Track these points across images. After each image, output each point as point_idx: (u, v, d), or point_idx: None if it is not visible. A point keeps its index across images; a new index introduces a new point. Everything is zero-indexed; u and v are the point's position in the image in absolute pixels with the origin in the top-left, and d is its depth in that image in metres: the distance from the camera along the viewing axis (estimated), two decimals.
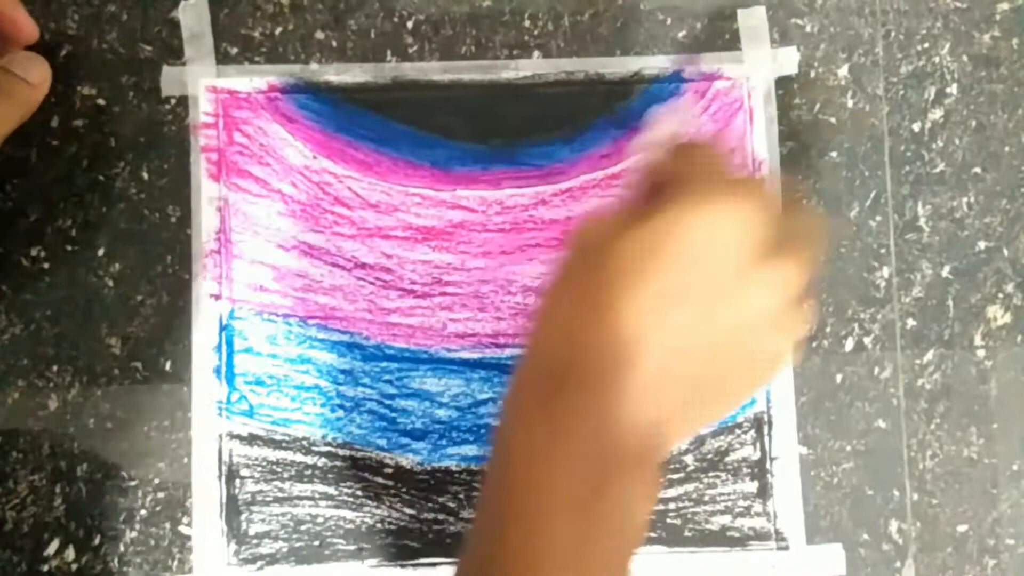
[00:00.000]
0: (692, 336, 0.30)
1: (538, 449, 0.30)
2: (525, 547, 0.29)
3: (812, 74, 0.44)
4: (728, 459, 0.42)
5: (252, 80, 0.42)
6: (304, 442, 0.42)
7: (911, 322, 0.43)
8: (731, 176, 0.33)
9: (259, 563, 0.41)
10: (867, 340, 0.43)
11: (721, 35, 0.43)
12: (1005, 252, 0.44)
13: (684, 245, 0.30)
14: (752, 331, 0.31)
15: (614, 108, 0.43)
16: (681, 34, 0.43)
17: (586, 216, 0.34)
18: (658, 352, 0.30)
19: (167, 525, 0.41)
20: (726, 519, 0.42)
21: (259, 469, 0.42)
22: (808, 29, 0.44)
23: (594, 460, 0.30)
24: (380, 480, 0.42)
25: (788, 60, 0.43)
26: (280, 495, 0.42)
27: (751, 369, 0.32)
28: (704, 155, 0.34)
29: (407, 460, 0.42)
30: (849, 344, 0.43)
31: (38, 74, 0.40)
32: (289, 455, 0.42)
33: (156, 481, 0.41)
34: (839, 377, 0.43)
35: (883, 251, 0.43)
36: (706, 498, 0.42)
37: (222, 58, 0.43)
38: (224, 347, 0.42)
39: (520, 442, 0.31)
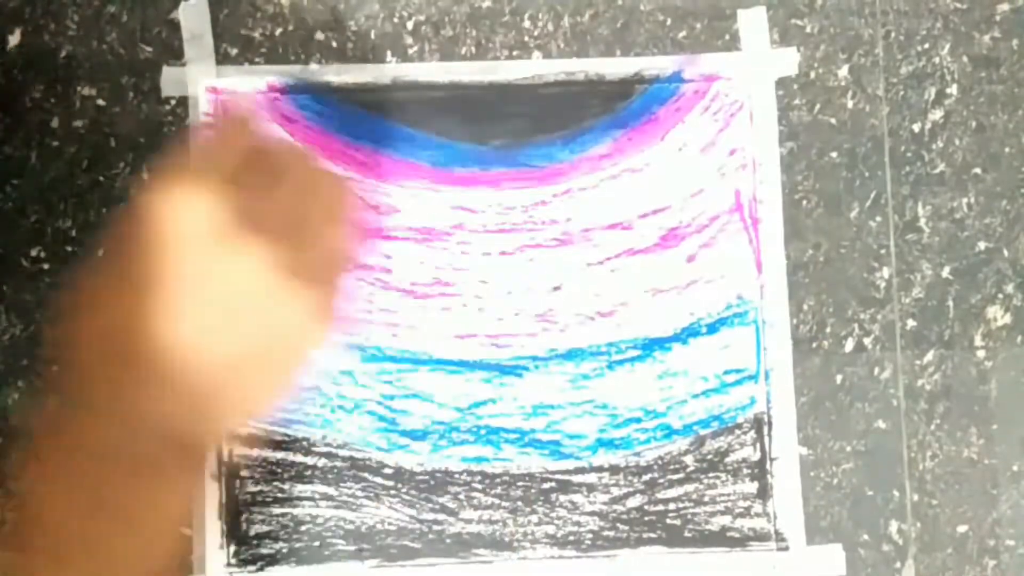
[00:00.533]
0: (183, 327, 0.29)
1: None
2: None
3: (812, 74, 0.44)
4: (728, 460, 0.42)
5: (252, 80, 0.42)
6: (304, 442, 0.42)
7: (911, 323, 0.43)
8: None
9: (259, 563, 0.41)
10: (867, 340, 0.43)
11: (721, 35, 0.43)
12: (1005, 252, 0.44)
13: (148, 230, 0.30)
14: (243, 312, 0.30)
15: (614, 108, 0.43)
16: (681, 34, 0.43)
17: None
18: (156, 350, 0.29)
19: None
20: (726, 519, 0.42)
21: (259, 469, 0.42)
22: (808, 29, 0.44)
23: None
24: (380, 480, 0.42)
25: (788, 60, 0.43)
26: (280, 495, 0.42)
27: (268, 351, 0.31)
28: None
29: (407, 460, 0.42)
30: (849, 345, 0.43)
31: None
32: (289, 455, 0.42)
33: None
34: (839, 378, 0.43)
35: (883, 251, 0.43)
36: (706, 499, 0.42)
37: (222, 59, 0.42)
38: None
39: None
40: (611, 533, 0.42)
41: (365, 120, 0.42)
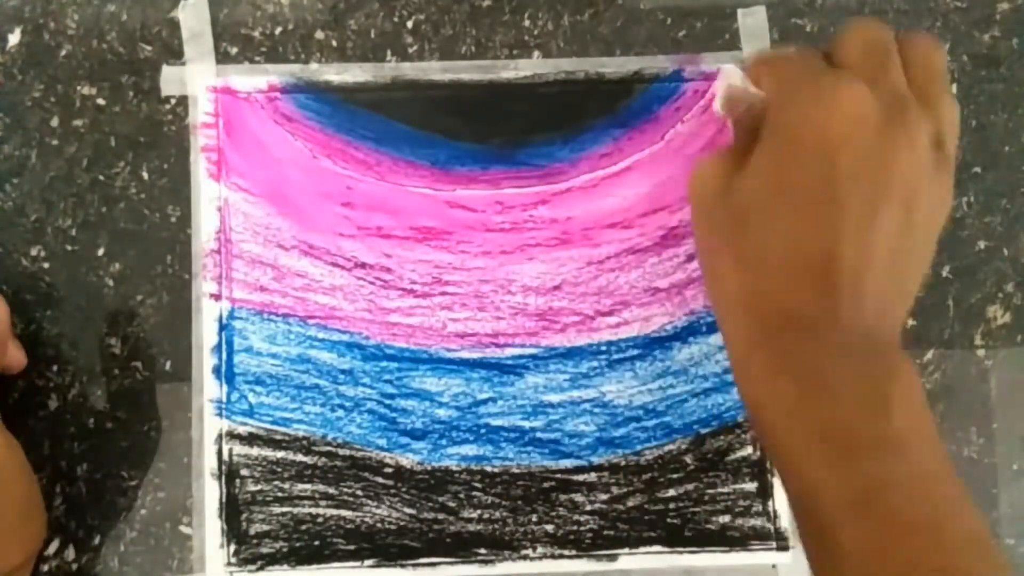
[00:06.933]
0: (867, 223, 0.31)
1: (795, 399, 0.31)
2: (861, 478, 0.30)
3: None
4: (728, 459, 0.42)
5: (252, 80, 0.42)
6: (304, 442, 0.42)
7: (911, 322, 0.43)
8: (815, 64, 0.34)
9: (259, 563, 0.41)
10: None
11: (721, 35, 0.43)
12: (1005, 252, 0.44)
13: (808, 143, 0.31)
14: (913, 188, 0.32)
15: (614, 108, 0.43)
16: (681, 34, 0.43)
17: (697, 166, 0.36)
18: (849, 251, 0.31)
19: (167, 525, 0.41)
20: (726, 519, 0.42)
21: (259, 469, 0.42)
22: (808, 29, 0.44)
23: (850, 384, 0.30)
24: (380, 480, 0.42)
25: None
26: (280, 495, 0.42)
27: (927, 222, 0.33)
28: (784, 62, 0.35)
29: (407, 460, 0.42)
30: None
31: None
32: (289, 455, 0.42)
33: (156, 481, 0.42)
34: None
35: None
36: (706, 498, 0.42)
37: (222, 58, 0.43)
38: (224, 347, 0.42)
39: (776, 400, 0.32)
40: (611, 532, 0.42)
41: (365, 119, 0.43)
